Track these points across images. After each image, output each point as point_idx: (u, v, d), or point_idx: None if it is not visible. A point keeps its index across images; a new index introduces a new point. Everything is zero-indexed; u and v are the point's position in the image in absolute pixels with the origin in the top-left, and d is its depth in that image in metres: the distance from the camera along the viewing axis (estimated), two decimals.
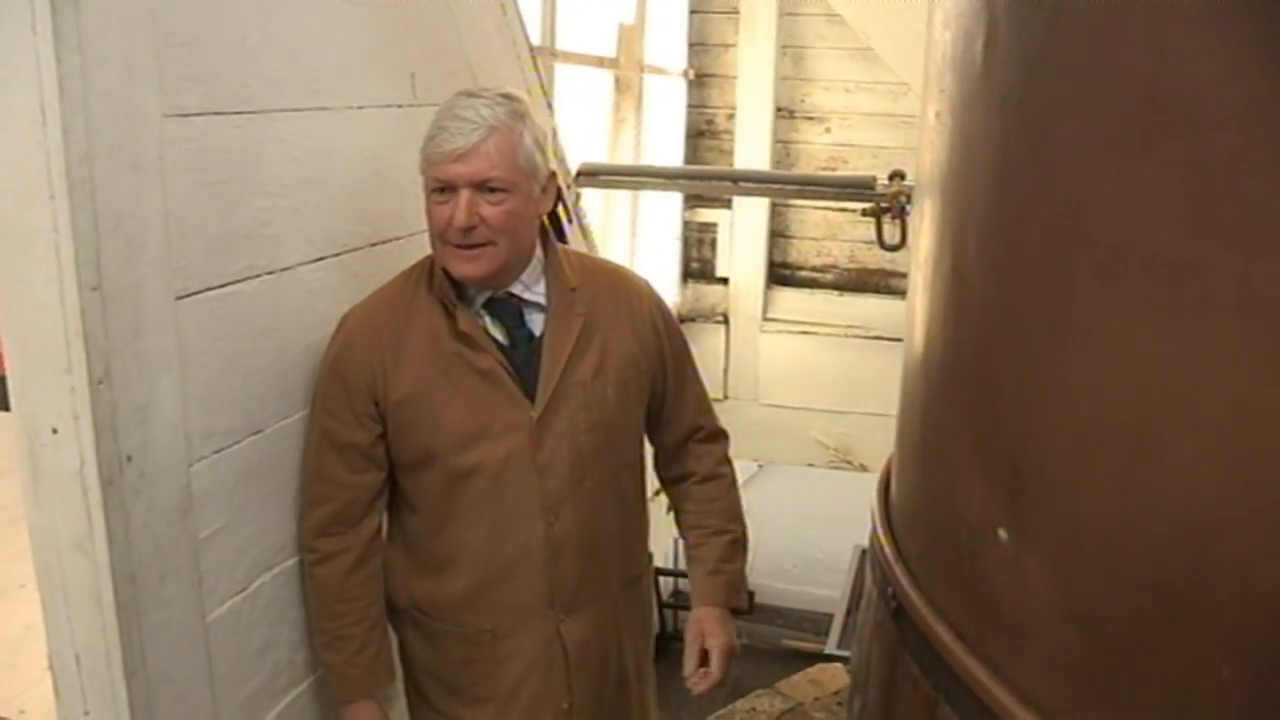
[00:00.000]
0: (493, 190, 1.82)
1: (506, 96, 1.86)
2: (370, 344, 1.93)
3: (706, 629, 2.07)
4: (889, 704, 1.31)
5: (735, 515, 2.20)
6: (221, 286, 1.80)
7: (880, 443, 1.53)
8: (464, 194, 1.81)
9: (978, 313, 1.15)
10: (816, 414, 4.90)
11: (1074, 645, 0.99)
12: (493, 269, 1.88)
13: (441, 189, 1.83)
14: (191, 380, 1.74)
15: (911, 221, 1.54)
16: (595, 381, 1.98)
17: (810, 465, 5.13)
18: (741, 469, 6.79)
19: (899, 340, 1.49)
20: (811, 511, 8.19)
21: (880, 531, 1.40)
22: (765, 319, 4.96)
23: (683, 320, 4.97)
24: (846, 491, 7.39)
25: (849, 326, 4.81)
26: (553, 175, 1.95)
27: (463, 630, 2.00)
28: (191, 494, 1.77)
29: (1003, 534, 1.07)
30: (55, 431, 1.57)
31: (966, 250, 1.18)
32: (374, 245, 2.22)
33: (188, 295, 1.72)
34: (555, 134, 3.29)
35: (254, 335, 1.90)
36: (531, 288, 1.96)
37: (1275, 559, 0.81)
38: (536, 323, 1.97)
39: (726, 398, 5.05)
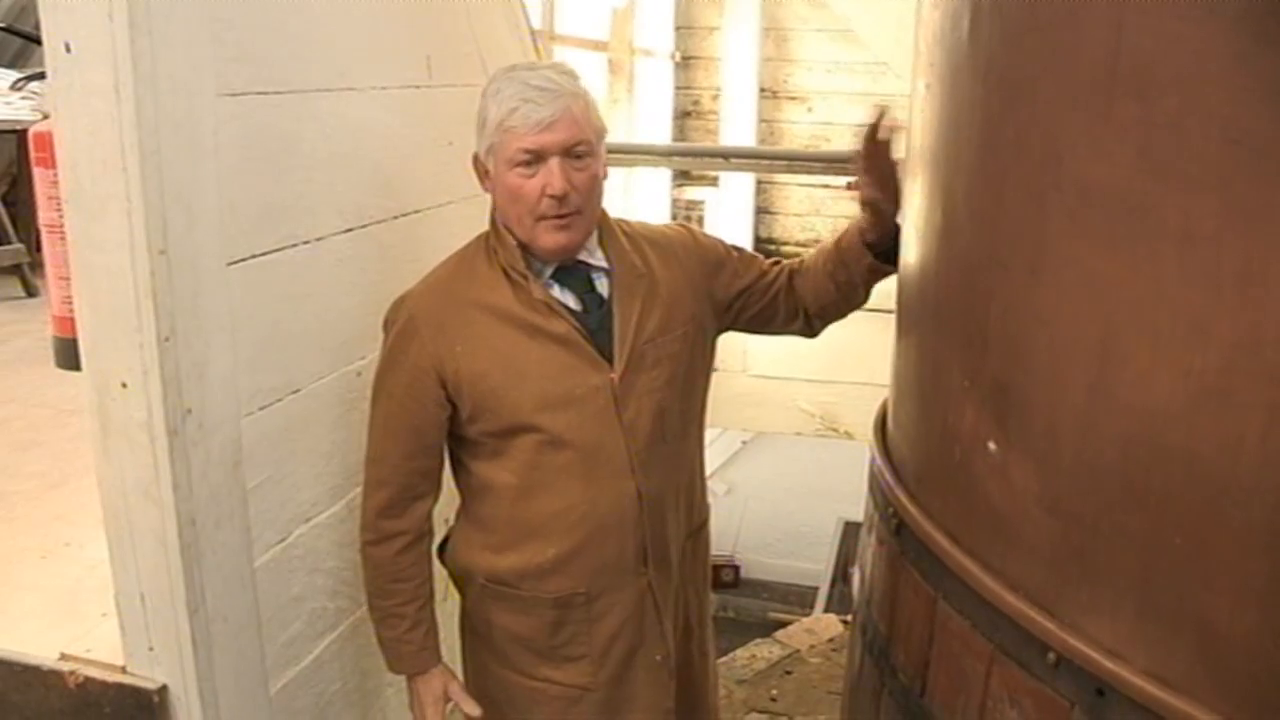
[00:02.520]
0: (579, 156, 1.87)
1: (563, 69, 1.92)
2: (434, 327, 1.94)
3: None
4: (893, 610, 1.47)
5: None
6: (265, 254, 1.94)
7: (864, 411, 1.63)
8: (555, 161, 1.84)
9: (966, 256, 1.31)
10: (802, 384, 5.03)
11: (1055, 536, 1.15)
12: (583, 236, 1.94)
13: (529, 161, 1.85)
14: (240, 341, 1.88)
15: (904, 187, 1.69)
16: (663, 338, 2.00)
17: (797, 434, 5.25)
18: (726, 444, 6.93)
19: (881, 311, 1.63)
20: (796, 486, 8.36)
21: (879, 459, 1.56)
22: None
23: None
24: (830, 466, 7.57)
25: None
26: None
27: (555, 596, 2.01)
28: (241, 447, 1.91)
29: (992, 445, 1.23)
30: (125, 386, 1.71)
31: (955, 202, 1.33)
32: (397, 218, 2.36)
33: (237, 261, 1.86)
34: None
35: (293, 300, 2.04)
36: (595, 253, 2.01)
37: (1217, 446, 0.98)
38: (603, 286, 2.00)
39: (715, 369, 5.18)
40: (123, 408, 1.72)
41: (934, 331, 1.41)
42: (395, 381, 1.97)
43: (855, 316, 4.83)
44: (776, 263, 2.18)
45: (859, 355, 4.77)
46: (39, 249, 4.48)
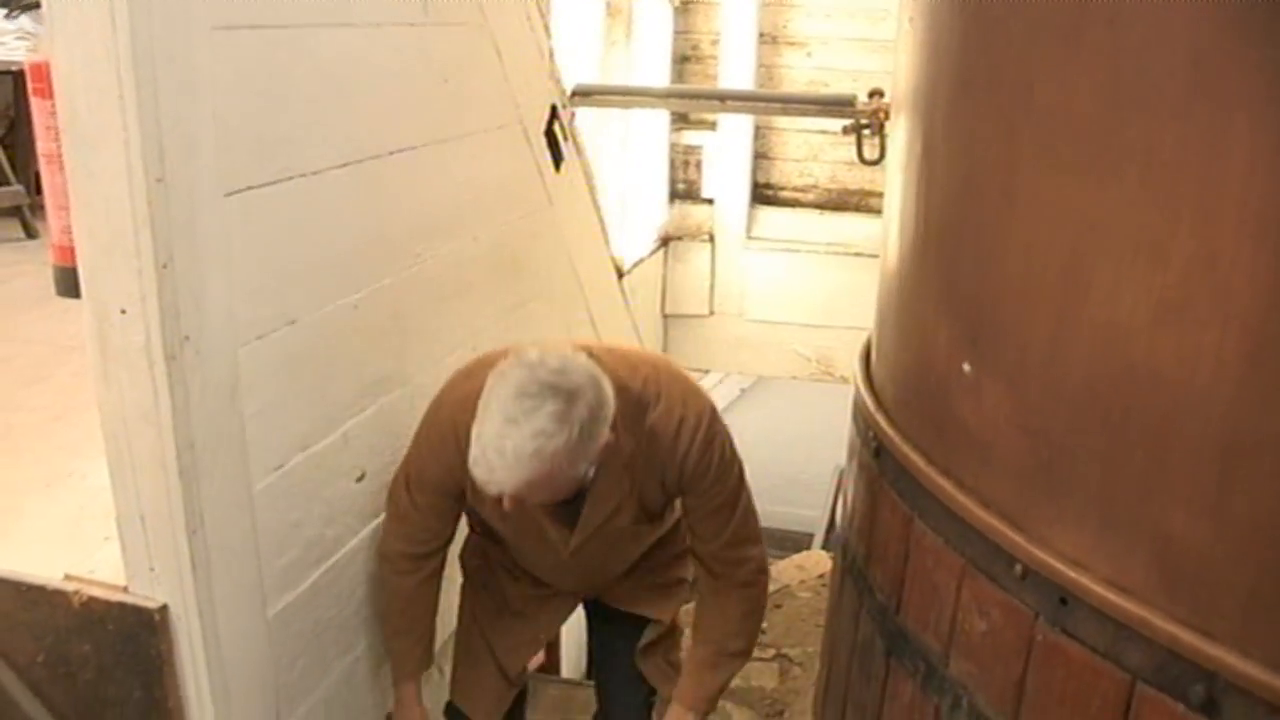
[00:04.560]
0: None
1: (553, 416, 1.85)
2: (455, 461, 2.09)
3: None
4: (871, 531, 1.52)
5: (739, 632, 2.29)
6: (262, 186, 1.96)
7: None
8: (508, 497, 1.94)
9: (943, 185, 1.34)
10: (799, 328, 5.08)
11: (1024, 453, 1.19)
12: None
13: None
14: (237, 270, 1.91)
15: (890, 128, 1.72)
16: (629, 521, 2.26)
17: (793, 378, 5.30)
18: (724, 392, 6.94)
19: (878, 256, 1.66)
20: (793, 434, 8.41)
21: (862, 389, 1.60)
22: (749, 238, 5.11)
23: (669, 240, 5.13)
24: (826, 414, 7.59)
25: (830, 244, 4.98)
26: (614, 430, 1.97)
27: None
28: (239, 375, 1.95)
29: (966, 368, 1.26)
30: (124, 312, 1.74)
31: (934, 133, 1.36)
32: (393, 154, 2.38)
33: (235, 192, 1.88)
34: (552, 55, 3.44)
35: (290, 233, 2.07)
36: None
37: (1175, 361, 1.01)
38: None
39: (712, 314, 5.22)
40: (121, 334, 1.75)
41: (913, 260, 1.44)
42: (425, 467, 2.28)
43: (851, 262, 4.85)
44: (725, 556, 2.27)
45: (855, 300, 4.80)
46: (39, 191, 4.49)
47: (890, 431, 1.44)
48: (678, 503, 2.35)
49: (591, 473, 2.05)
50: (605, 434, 1.93)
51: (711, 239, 5.12)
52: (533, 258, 3.38)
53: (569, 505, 2.18)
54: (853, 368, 1.69)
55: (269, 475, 2.08)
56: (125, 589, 1.95)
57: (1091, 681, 1.12)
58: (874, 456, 1.49)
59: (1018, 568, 1.17)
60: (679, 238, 5.15)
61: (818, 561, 3.21)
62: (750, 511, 2.23)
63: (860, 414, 1.59)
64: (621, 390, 1.99)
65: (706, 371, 8.13)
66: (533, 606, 2.55)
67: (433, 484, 2.26)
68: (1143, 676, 1.07)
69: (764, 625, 2.91)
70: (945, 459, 1.32)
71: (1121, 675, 1.08)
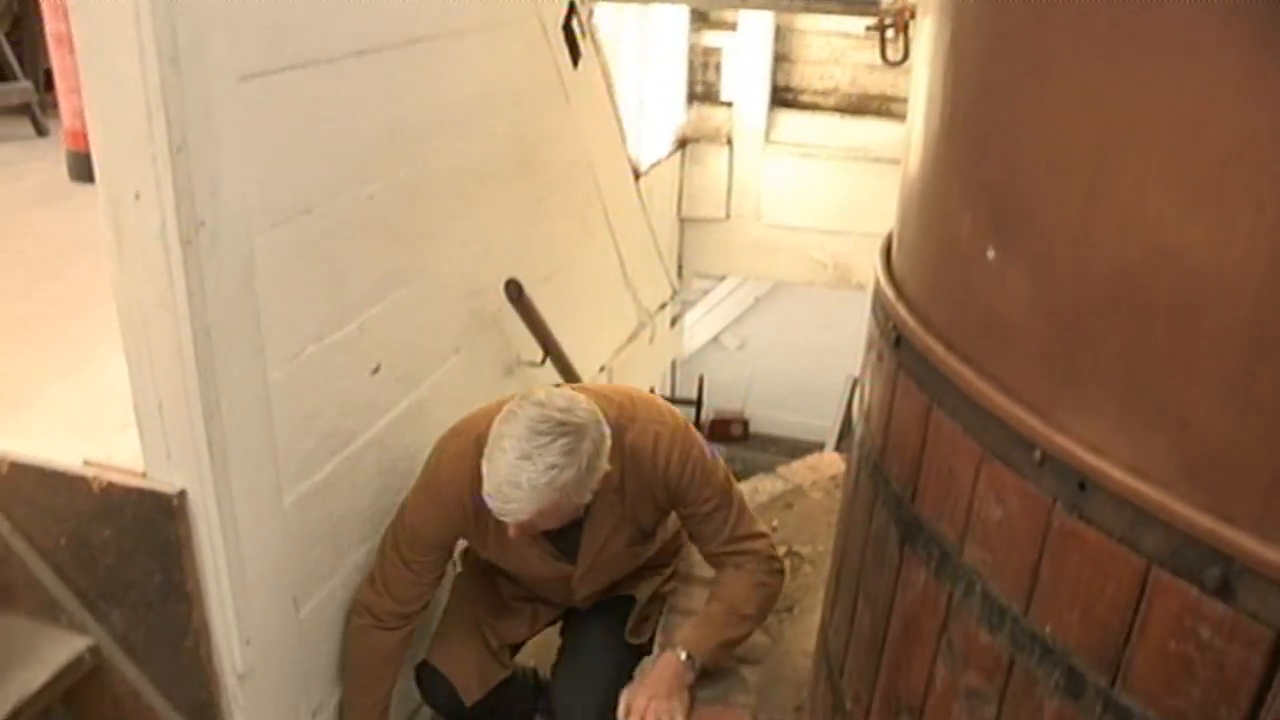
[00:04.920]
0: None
1: (563, 450, 2.05)
2: (455, 511, 2.36)
3: (635, 690, 2.32)
4: (888, 421, 1.51)
5: (750, 598, 2.39)
6: (278, 72, 1.94)
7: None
8: (514, 527, 2.17)
9: (972, 72, 1.31)
10: (816, 234, 5.04)
11: (1047, 339, 1.18)
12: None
13: None
14: (252, 157, 1.90)
15: (916, 24, 1.67)
16: (624, 542, 2.46)
17: (810, 283, 5.27)
18: (739, 300, 6.91)
19: (898, 162, 1.64)
20: (807, 343, 8.39)
21: (882, 281, 1.58)
22: (768, 141, 5.05)
23: (687, 142, 5.08)
24: (841, 324, 7.59)
25: (849, 149, 4.91)
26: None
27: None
28: (254, 263, 1.94)
29: (990, 254, 1.25)
30: (138, 197, 1.73)
31: (964, 18, 1.33)
32: (408, 44, 2.34)
33: (249, 77, 1.86)
34: None
35: (305, 120, 2.04)
36: None
37: (1205, 244, 0.99)
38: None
39: (729, 218, 5.18)
40: (136, 218, 1.75)
41: (938, 150, 1.41)
42: (416, 523, 2.42)
43: (870, 168, 4.80)
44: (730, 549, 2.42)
45: (873, 206, 4.77)
46: (49, 89, 4.45)
47: (910, 321, 1.43)
48: (670, 520, 2.61)
49: (589, 499, 2.24)
50: (604, 465, 2.17)
51: (729, 142, 5.06)
52: (549, 155, 3.34)
53: (566, 538, 2.41)
54: (873, 261, 1.67)
55: (285, 365, 2.08)
56: (144, 475, 1.97)
57: (1107, 566, 1.12)
58: (893, 347, 1.48)
59: (1036, 454, 1.17)
60: (697, 140, 5.09)
61: (830, 463, 3.22)
62: (744, 509, 2.42)
63: (880, 305, 1.58)
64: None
65: (722, 277, 8.13)
66: (526, 605, 2.73)
67: (427, 540, 2.42)
68: (1158, 560, 1.07)
69: (775, 523, 2.93)
70: (966, 347, 1.31)
71: (1137, 560, 1.08)
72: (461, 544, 2.66)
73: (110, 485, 1.98)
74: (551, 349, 3.19)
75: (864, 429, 1.65)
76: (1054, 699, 1.22)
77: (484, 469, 2.10)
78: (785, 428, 8.79)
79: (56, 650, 2.10)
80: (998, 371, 1.25)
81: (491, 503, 2.10)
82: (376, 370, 2.42)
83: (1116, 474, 1.09)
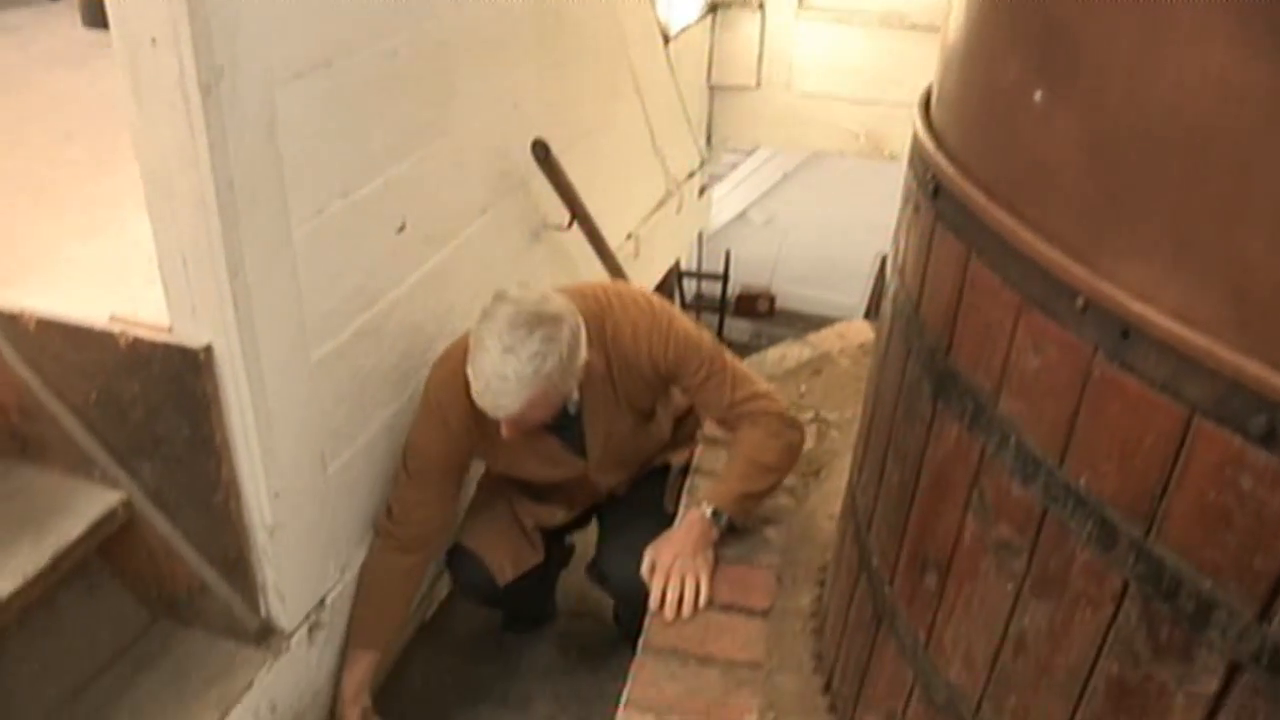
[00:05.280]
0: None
1: (544, 339, 2.11)
2: (458, 430, 2.40)
3: (660, 547, 2.36)
4: (924, 274, 1.48)
5: (767, 448, 2.39)
6: None
7: (909, 131, 1.62)
8: (505, 424, 2.22)
9: None
10: (848, 103, 4.91)
11: (1095, 184, 1.13)
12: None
13: None
14: (272, 3, 1.84)
15: None
16: (628, 425, 2.51)
17: (841, 154, 5.16)
18: (767, 175, 6.81)
19: (934, 30, 1.57)
20: (835, 220, 8.31)
21: (921, 132, 1.53)
22: (801, 6, 4.88)
23: (717, 6, 4.93)
24: (870, 201, 7.48)
25: (885, 14, 4.74)
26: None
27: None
28: (276, 114, 1.90)
29: (1037, 96, 1.19)
30: (154, 42, 1.68)
31: None
32: None
33: None
34: None
35: None
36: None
37: (1268, 75, 0.94)
38: (573, 404, 2.39)
39: (760, 86, 5.05)
40: (153, 65, 1.70)
41: None
42: (431, 427, 2.46)
43: (905, 35, 4.65)
44: (727, 417, 2.46)
45: (907, 75, 4.64)
46: None
47: (950, 170, 1.38)
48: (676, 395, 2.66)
49: (577, 394, 2.33)
50: (584, 353, 2.22)
51: (762, 6, 4.90)
52: (577, 16, 3.26)
53: (570, 434, 2.47)
54: (912, 114, 1.61)
55: (309, 220, 2.05)
56: (169, 330, 1.97)
57: (1147, 416, 1.09)
58: (931, 198, 1.43)
59: (1079, 301, 1.13)
60: (728, 5, 4.93)
61: (858, 330, 3.19)
62: (739, 371, 2.45)
63: (918, 157, 1.53)
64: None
65: (751, 151, 8.00)
66: (559, 493, 2.75)
67: (438, 463, 2.46)
68: (1202, 409, 1.04)
69: (802, 389, 2.92)
70: (1007, 194, 1.26)
71: (1180, 409, 1.05)
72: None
73: (136, 340, 1.97)
74: (578, 212, 3.14)
75: (898, 284, 1.61)
76: (1085, 551, 1.21)
77: (469, 373, 2.14)
78: (812, 304, 8.76)
79: (90, 504, 2.12)
80: (1040, 218, 1.21)
81: (481, 401, 2.15)
82: (402, 229, 2.39)
83: (1162, 320, 1.05)
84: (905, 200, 1.61)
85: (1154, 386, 1.08)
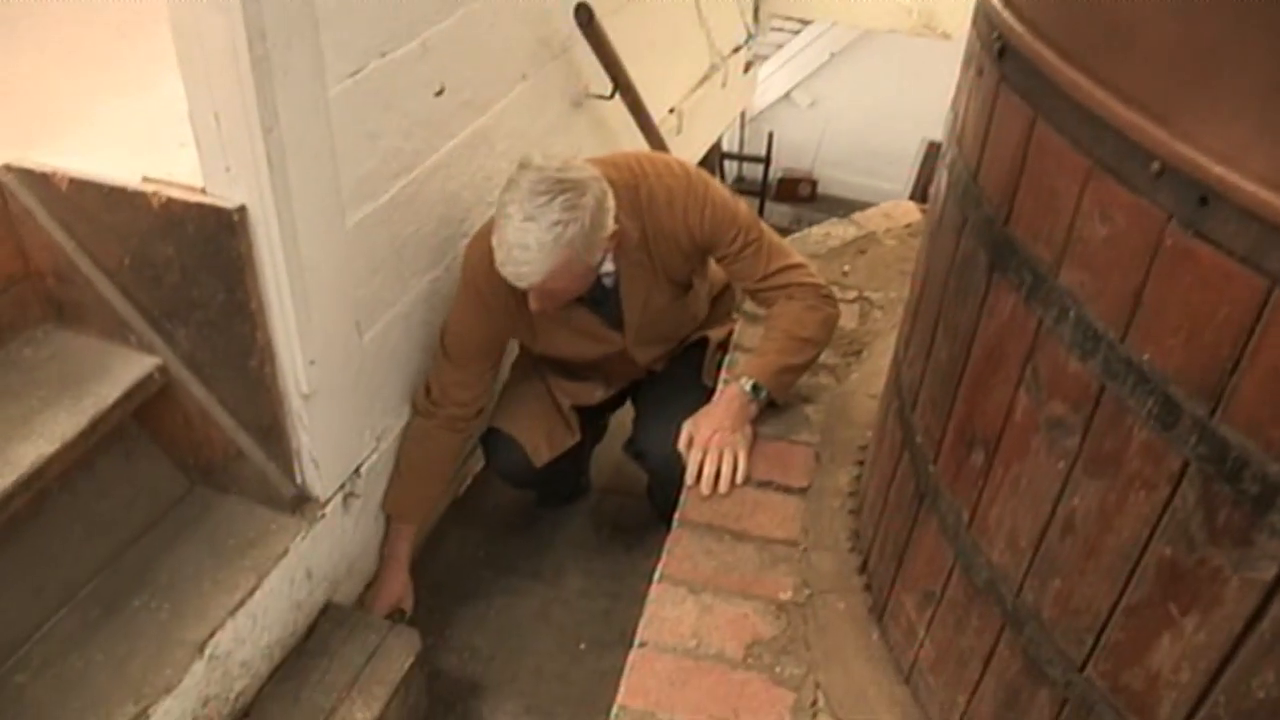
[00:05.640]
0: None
1: (565, 206, 2.05)
2: (495, 308, 2.37)
3: (698, 421, 2.31)
4: (985, 140, 1.41)
5: (804, 321, 2.33)
6: None
7: (963, 8, 1.52)
8: (532, 293, 2.20)
9: None
10: None
11: (1180, 40, 1.05)
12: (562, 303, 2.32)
13: None
14: None
15: None
16: (666, 298, 2.45)
17: (891, 31, 4.98)
18: (813, 56, 6.62)
19: None
20: (882, 104, 8.10)
21: None
22: None
23: None
24: (918, 85, 7.29)
25: None
26: (618, 221, 2.19)
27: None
28: None
29: None
30: None
31: None
32: None
33: None
34: None
35: None
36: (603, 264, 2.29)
37: None
38: (609, 276, 2.36)
39: None
40: None
41: None
42: (470, 306, 2.42)
43: None
44: (762, 290, 2.41)
45: None
46: None
47: (1018, 28, 1.30)
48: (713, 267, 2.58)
49: (607, 267, 2.29)
50: (610, 224, 2.15)
51: None
52: None
53: (607, 308, 2.42)
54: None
55: (345, 80, 2.00)
56: (203, 190, 1.93)
57: (1222, 288, 1.03)
58: (996, 59, 1.35)
59: (1155, 165, 1.06)
60: None
61: (905, 211, 3.10)
62: (776, 241, 2.38)
63: (984, 16, 1.44)
64: (611, 184, 2.17)
65: (797, 30, 7.78)
66: (596, 372, 2.73)
67: (475, 343, 2.45)
68: None
69: (846, 269, 2.86)
70: (1081, 52, 1.18)
71: (1258, 280, 0.99)
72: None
73: (170, 201, 1.94)
74: (621, 81, 3.05)
75: (955, 152, 1.54)
76: (1144, 430, 1.16)
77: (494, 241, 2.10)
78: (854, 190, 8.60)
79: (127, 369, 2.12)
80: (1116, 77, 1.13)
81: (505, 270, 2.11)
82: (440, 93, 2.32)
83: (1247, 185, 0.99)
84: (966, 64, 1.53)
85: (1232, 256, 1.02)
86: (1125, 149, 1.10)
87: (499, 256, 2.10)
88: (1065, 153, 1.20)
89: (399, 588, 2.61)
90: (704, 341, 2.69)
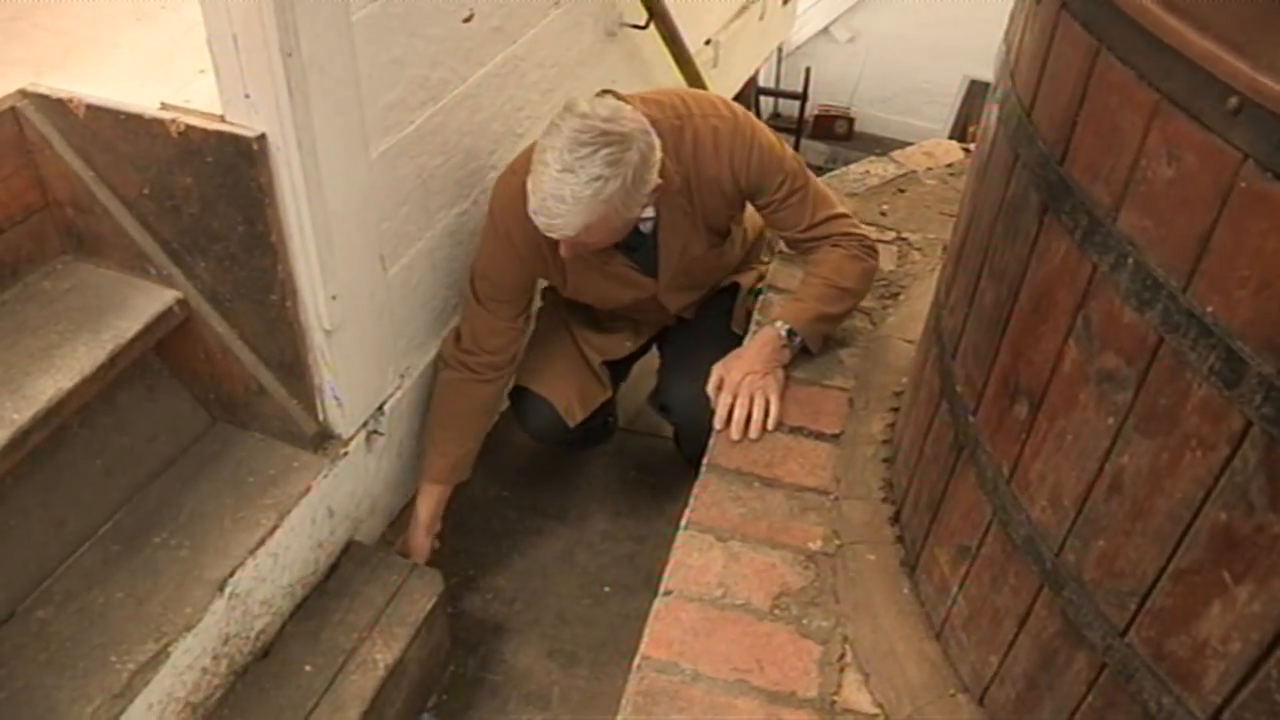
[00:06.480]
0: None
1: (607, 161, 1.95)
2: (526, 250, 2.28)
3: (730, 364, 2.25)
4: (1041, 72, 1.32)
5: (844, 271, 2.26)
6: None
7: None
8: (564, 245, 2.11)
9: None
10: None
11: None
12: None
13: None
14: None
15: None
16: (703, 246, 2.37)
17: None
18: None
19: None
20: (923, 39, 7.94)
21: None
22: None
23: None
24: (962, 20, 7.12)
25: None
26: (662, 174, 2.08)
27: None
28: None
29: None
30: None
31: None
32: None
33: None
34: None
35: None
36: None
37: None
38: (647, 222, 2.27)
39: None
40: None
41: None
42: (499, 252, 2.34)
43: None
44: (805, 239, 2.33)
45: None
46: None
47: None
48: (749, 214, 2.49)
49: (646, 213, 2.19)
50: (654, 179, 2.05)
51: None
52: None
53: (643, 252, 2.33)
54: None
55: (369, 3, 1.93)
56: (222, 118, 1.87)
57: None
58: None
59: (1232, 101, 0.98)
60: None
61: (947, 150, 3.01)
62: (821, 189, 2.33)
63: None
64: (655, 124, 2.07)
65: None
66: (624, 322, 2.66)
67: (506, 285, 2.36)
68: None
69: (884, 209, 2.77)
70: None
71: None
72: (543, 283, 2.60)
73: (188, 129, 1.88)
74: (657, 9, 2.96)
75: (1007, 86, 1.45)
76: (1203, 386, 1.09)
77: (528, 185, 2.01)
78: (892, 129, 8.47)
79: (147, 302, 2.08)
80: (1191, 4, 1.04)
81: (537, 219, 2.02)
82: (469, 19, 2.24)
83: None
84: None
85: None
86: (1198, 82, 1.02)
87: (532, 203, 2.01)
88: (1130, 86, 1.11)
89: (421, 558, 2.55)
90: (734, 287, 2.61)
